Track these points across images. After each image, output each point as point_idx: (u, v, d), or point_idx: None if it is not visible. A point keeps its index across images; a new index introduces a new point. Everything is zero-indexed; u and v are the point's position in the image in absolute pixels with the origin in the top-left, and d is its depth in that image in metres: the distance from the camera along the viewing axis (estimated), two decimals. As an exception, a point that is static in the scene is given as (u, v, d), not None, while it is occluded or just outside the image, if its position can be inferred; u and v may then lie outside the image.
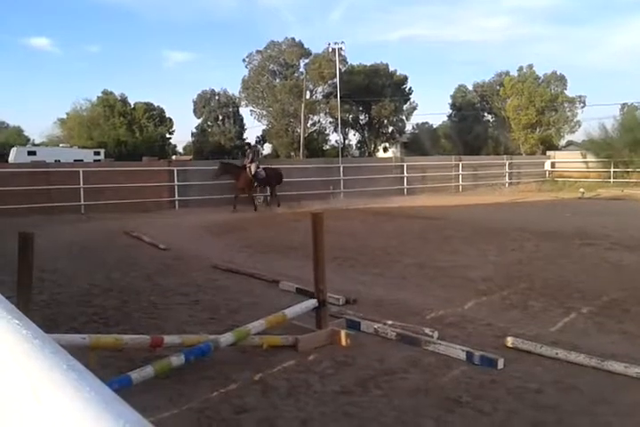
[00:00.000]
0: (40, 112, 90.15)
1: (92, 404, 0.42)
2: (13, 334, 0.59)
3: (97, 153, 38.43)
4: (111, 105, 48.54)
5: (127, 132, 48.19)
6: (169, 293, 6.84)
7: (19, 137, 56.14)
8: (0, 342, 0.59)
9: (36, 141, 55.39)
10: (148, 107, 50.36)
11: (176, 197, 18.84)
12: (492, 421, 3.46)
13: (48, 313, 5.76)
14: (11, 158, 34.20)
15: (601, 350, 4.49)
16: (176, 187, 18.85)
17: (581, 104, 42.51)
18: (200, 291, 6.92)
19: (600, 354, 4.35)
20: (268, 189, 19.32)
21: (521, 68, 42.96)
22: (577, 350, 4.43)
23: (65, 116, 52.20)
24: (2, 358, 0.55)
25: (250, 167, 17.93)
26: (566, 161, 29.28)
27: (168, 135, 53.59)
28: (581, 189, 22.19)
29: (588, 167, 28.16)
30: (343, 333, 4.86)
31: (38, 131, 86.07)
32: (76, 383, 0.45)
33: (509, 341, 4.68)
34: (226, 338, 4.28)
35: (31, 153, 35.16)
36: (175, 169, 19.04)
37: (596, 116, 77.74)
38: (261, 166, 18.63)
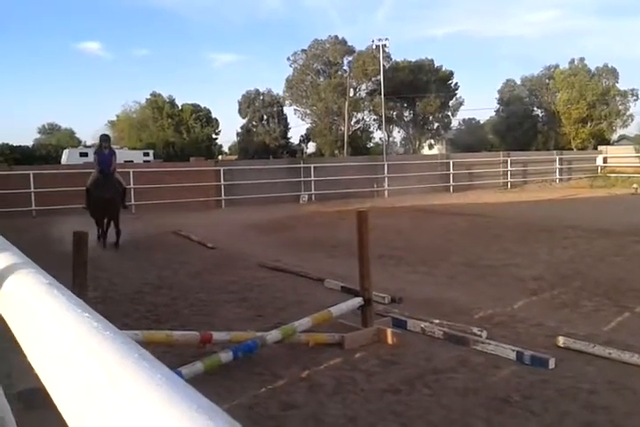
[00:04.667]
0: (91, 115, 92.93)
1: (165, 389, 0.46)
2: (85, 326, 0.64)
3: (146, 154, 39.16)
4: (159, 107, 49.57)
5: (175, 134, 49.14)
6: (217, 290, 6.97)
7: (71, 139, 57.88)
8: (74, 334, 0.64)
9: (88, 143, 56.83)
10: (195, 108, 51.20)
11: (222, 197, 19.16)
12: (543, 421, 3.41)
13: (102, 310, 5.84)
14: (63, 160, 35.26)
15: (657, 351, 4.35)
16: (222, 186, 19.18)
17: (634, 97, 41.15)
18: (247, 289, 7.02)
19: (656, 355, 4.22)
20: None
21: (572, 61, 41.83)
22: (630, 350, 4.31)
23: (115, 119, 53.67)
24: (77, 349, 0.60)
25: (116, 177, 10.71)
26: (619, 156, 28.36)
27: (214, 136, 54.33)
28: (635, 185, 21.47)
29: (642, 162, 27.23)
30: (389, 331, 4.86)
31: (90, 133, 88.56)
32: (149, 371, 0.49)
33: (560, 340, 4.59)
34: (272, 335, 4.33)
35: (83, 154, 36.01)
36: (222, 169, 19.39)
37: (650, 109, 74.88)
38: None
